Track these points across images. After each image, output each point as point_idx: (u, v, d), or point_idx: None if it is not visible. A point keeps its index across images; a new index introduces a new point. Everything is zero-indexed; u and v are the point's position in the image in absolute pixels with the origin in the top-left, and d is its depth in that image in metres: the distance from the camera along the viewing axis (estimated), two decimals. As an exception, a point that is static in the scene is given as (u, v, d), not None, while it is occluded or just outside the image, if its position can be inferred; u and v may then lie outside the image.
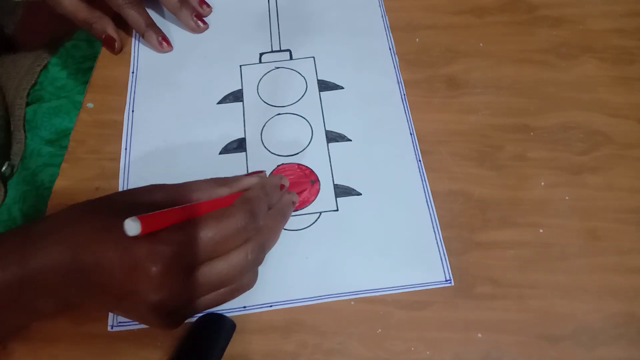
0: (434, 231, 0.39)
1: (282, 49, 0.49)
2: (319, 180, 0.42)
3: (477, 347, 0.35)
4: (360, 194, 0.41)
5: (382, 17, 0.51)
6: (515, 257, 0.38)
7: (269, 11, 0.52)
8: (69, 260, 0.31)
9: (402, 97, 0.46)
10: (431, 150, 0.43)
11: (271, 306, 0.37)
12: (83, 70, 0.52)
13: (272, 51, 0.49)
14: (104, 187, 0.42)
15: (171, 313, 0.31)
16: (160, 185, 0.35)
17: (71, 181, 0.43)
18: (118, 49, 0.49)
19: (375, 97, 0.46)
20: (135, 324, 0.36)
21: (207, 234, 0.31)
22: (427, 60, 0.48)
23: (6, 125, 0.49)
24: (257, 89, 0.47)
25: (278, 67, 0.48)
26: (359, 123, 0.44)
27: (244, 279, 0.34)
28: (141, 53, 0.50)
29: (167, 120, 0.46)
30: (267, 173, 0.42)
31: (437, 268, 0.38)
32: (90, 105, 0.47)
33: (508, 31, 0.49)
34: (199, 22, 0.50)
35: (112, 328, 0.36)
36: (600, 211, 0.40)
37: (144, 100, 0.47)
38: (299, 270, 0.38)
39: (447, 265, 0.38)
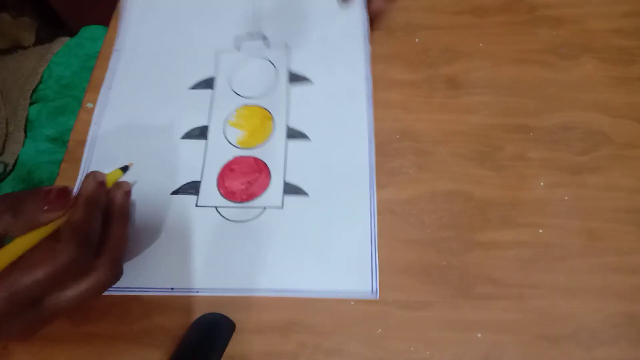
0: (371, 243, 0.39)
1: (259, 31, 0.48)
2: (270, 177, 0.42)
3: (477, 347, 0.35)
4: (307, 195, 0.41)
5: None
6: (515, 257, 0.38)
7: None
8: None
9: (367, 97, 0.45)
10: (431, 150, 0.43)
11: (197, 292, 0.37)
12: (88, 69, 0.52)
13: (251, 40, 0.48)
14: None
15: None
16: None
17: (71, 181, 0.43)
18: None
19: (341, 95, 0.45)
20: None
21: (35, 276, 0.27)
22: (427, 60, 0.48)
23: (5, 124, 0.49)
24: (230, 77, 0.47)
25: (252, 56, 0.47)
26: (321, 122, 0.44)
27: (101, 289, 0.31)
28: (128, 32, 0.49)
29: (140, 100, 0.46)
30: (222, 163, 0.42)
31: (365, 279, 0.38)
32: (90, 105, 0.47)
33: (508, 31, 0.49)
34: None
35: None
36: (600, 211, 0.40)
37: (122, 78, 0.47)
38: (227, 260, 0.38)
39: (376, 278, 0.38)
